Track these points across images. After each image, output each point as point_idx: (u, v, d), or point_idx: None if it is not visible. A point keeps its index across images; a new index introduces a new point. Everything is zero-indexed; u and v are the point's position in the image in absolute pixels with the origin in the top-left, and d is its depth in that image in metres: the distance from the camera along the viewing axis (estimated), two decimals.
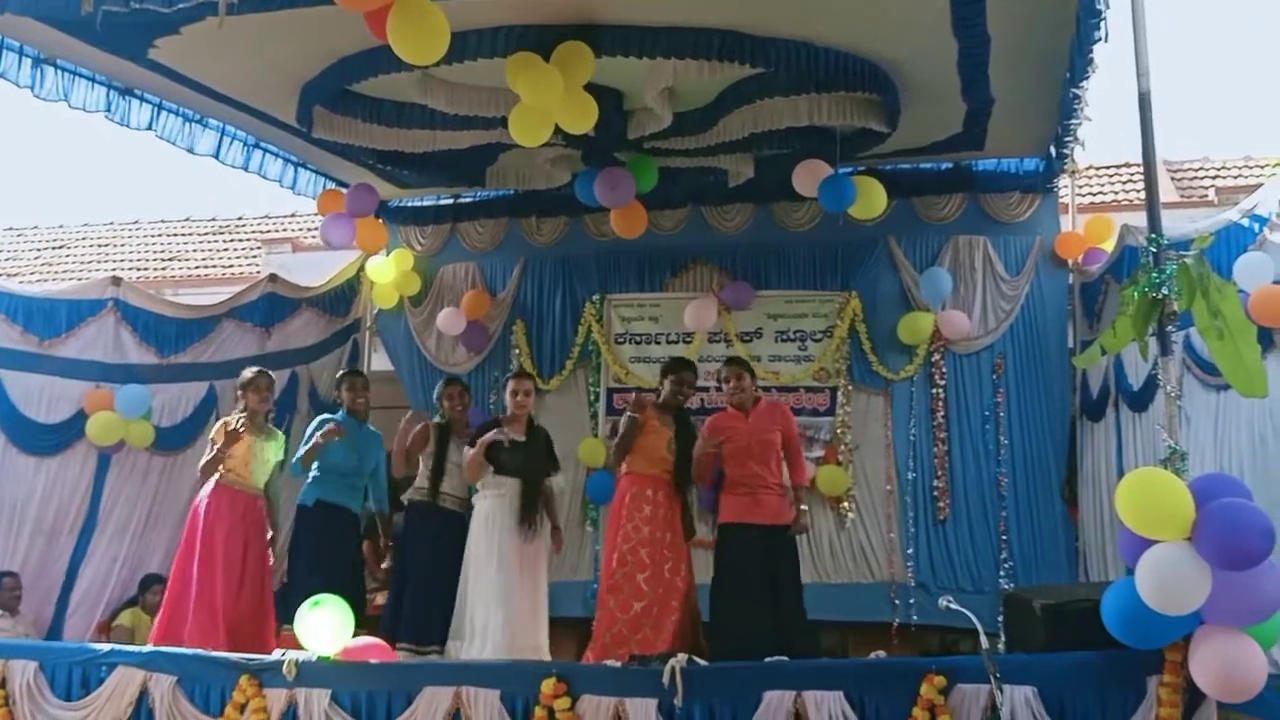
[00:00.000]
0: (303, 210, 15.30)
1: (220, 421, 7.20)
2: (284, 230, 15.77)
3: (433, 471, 7.22)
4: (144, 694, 5.79)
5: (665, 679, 5.13)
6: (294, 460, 7.46)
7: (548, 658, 6.87)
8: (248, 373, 7.32)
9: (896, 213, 9.28)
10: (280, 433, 7.53)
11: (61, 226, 17.57)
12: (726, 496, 6.84)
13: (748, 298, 9.65)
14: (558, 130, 6.73)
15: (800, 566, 7.04)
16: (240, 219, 17.01)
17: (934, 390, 9.35)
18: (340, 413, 7.64)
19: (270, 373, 7.54)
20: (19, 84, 7.12)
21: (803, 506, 6.90)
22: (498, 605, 6.69)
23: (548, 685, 5.24)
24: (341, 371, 8.52)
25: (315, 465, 7.29)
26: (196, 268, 15.74)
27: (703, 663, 5.38)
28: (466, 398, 7.70)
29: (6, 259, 16.83)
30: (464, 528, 7.06)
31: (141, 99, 7.94)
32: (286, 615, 6.41)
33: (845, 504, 9.23)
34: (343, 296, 10.51)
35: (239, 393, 7.23)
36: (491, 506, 6.94)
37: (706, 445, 6.85)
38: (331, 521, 7.33)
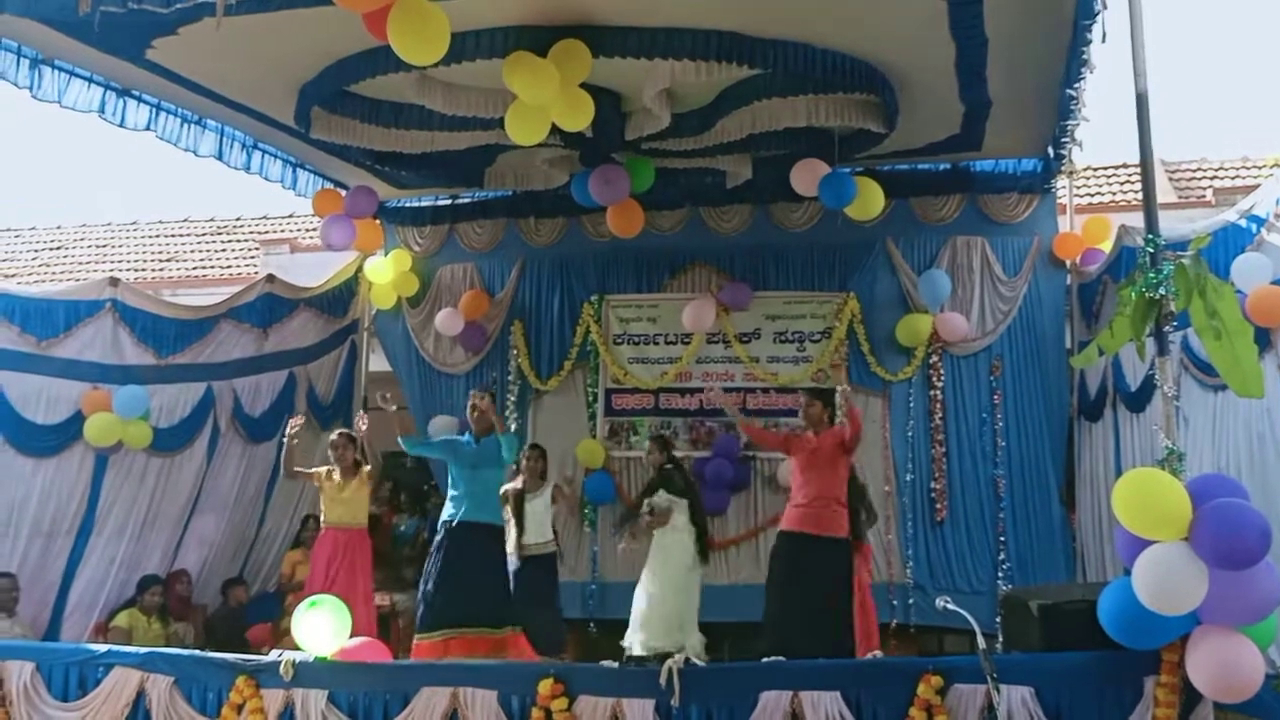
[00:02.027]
0: (301, 211, 15.29)
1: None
2: (282, 231, 15.76)
3: (516, 530, 8.07)
4: (141, 695, 5.79)
5: (662, 679, 5.13)
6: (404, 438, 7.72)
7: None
8: (331, 435, 8.39)
9: (895, 214, 9.30)
10: (364, 469, 8.09)
11: (59, 227, 17.55)
12: (790, 508, 7.17)
13: (746, 299, 9.66)
14: (556, 131, 6.75)
15: (847, 574, 7.15)
16: (238, 220, 16.99)
17: (932, 392, 9.37)
18: (466, 435, 7.63)
19: (349, 432, 8.25)
20: (17, 84, 7.12)
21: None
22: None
23: (545, 686, 5.24)
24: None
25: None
26: (194, 268, 15.72)
27: (700, 663, 5.38)
28: (542, 463, 8.43)
29: (4, 260, 16.80)
30: (552, 565, 8.23)
31: (140, 100, 7.95)
32: (425, 624, 7.21)
33: None
34: (340, 297, 10.52)
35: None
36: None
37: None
38: (454, 540, 7.37)
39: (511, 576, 7.75)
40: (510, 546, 7.93)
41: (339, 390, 10.45)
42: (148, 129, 8.08)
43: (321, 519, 8.13)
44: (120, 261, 15.97)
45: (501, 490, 7.91)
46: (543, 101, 6.42)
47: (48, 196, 39.72)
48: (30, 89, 7.18)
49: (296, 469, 8.21)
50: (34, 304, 8.00)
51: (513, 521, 8.07)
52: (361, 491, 8.07)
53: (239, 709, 5.60)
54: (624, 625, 8.82)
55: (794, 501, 7.13)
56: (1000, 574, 8.95)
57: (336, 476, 8.01)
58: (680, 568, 7.62)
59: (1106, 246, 8.86)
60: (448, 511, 7.47)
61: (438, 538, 7.48)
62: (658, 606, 7.56)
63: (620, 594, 9.30)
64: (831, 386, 9.37)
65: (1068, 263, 9.38)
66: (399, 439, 7.60)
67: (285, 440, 8.12)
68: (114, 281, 8.55)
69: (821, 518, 6.97)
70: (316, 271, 10.71)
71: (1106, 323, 6.24)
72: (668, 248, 9.99)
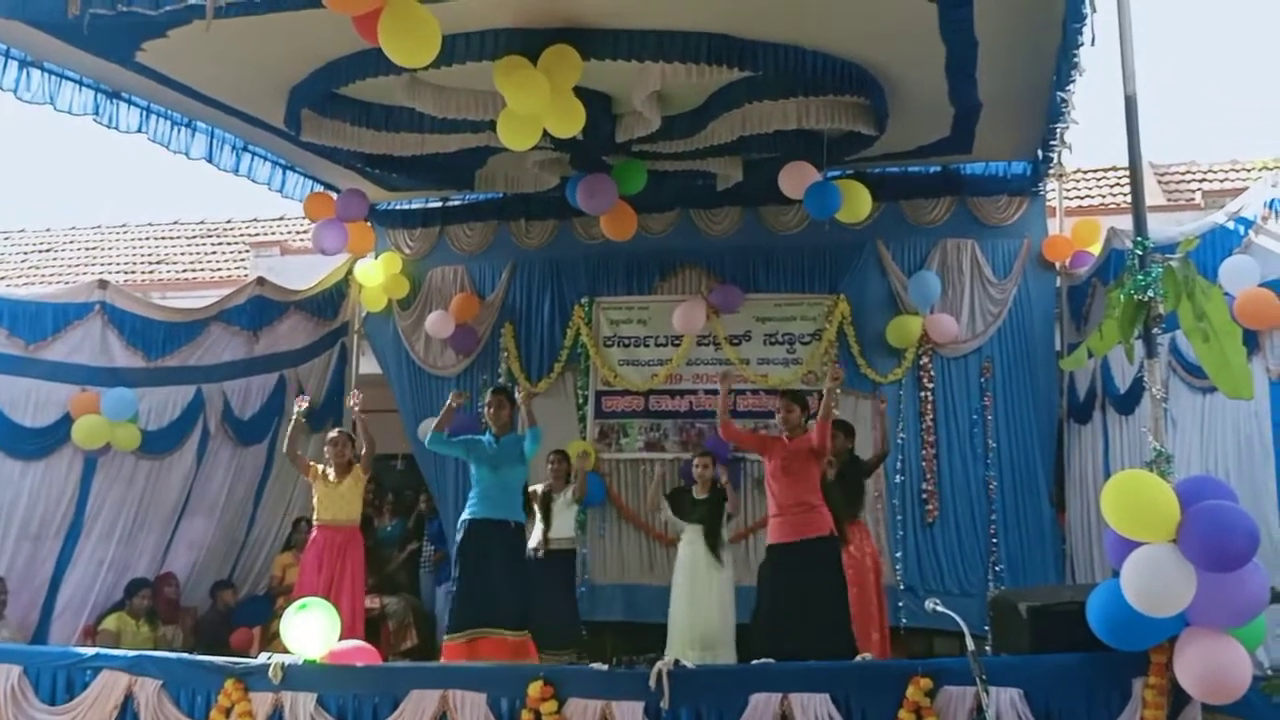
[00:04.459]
0: (291, 214, 15.26)
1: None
2: (272, 234, 15.73)
3: (543, 526, 8.26)
4: (129, 698, 5.77)
5: (652, 682, 5.12)
6: (429, 433, 7.84)
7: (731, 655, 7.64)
8: (330, 433, 8.42)
9: (885, 216, 9.33)
10: (359, 468, 8.11)
11: (48, 230, 17.49)
12: (771, 519, 7.09)
13: (736, 301, 9.66)
14: (546, 134, 6.74)
15: (841, 575, 7.09)
16: (228, 222, 16.95)
17: (922, 394, 9.38)
18: (486, 434, 7.74)
19: (347, 431, 8.29)
20: (3, 86, 7.08)
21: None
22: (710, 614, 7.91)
23: (534, 688, 5.23)
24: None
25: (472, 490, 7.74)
26: (184, 271, 15.69)
27: (690, 665, 5.38)
28: (565, 465, 8.56)
29: None
30: (572, 562, 8.47)
31: (130, 102, 7.93)
32: (452, 625, 7.39)
33: None
34: (331, 300, 10.50)
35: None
36: (686, 548, 8.14)
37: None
38: (474, 537, 7.50)
39: (534, 569, 7.98)
40: (534, 541, 8.14)
41: (329, 393, 10.42)
42: (139, 131, 8.06)
43: (314, 518, 8.12)
44: (109, 264, 15.92)
45: (530, 489, 8.19)
46: (534, 110, 6.42)
47: (36, 199, 39.61)
48: (15, 91, 7.15)
49: (298, 452, 8.24)
50: (22, 306, 7.98)
51: (540, 518, 8.26)
52: (355, 489, 8.08)
53: (227, 712, 5.58)
54: (612, 627, 8.86)
55: (771, 512, 7.06)
56: (991, 576, 8.96)
57: (331, 475, 8.02)
58: None
59: (1096, 249, 8.89)
60: (469, 509, 7.59)
61: (459, 536, 7.60)
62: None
63: (608, 596, 9.31)
64: (819, 389, 9.42)
65: (1057, 265, 9.40)
66: (424, 434, 7.79)
67: (292, 420, 8.13)
68: (103, 284, 8.54)
69: (800, 523, 6.90)
70: (307, 274, 10.69)
71: (1096, 325, 6.25)
72: (658, 250, 9.98)
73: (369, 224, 10.28)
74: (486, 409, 7.78)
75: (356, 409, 8.18)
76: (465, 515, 7.61)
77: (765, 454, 7.18)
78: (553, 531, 8.27)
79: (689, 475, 8.50)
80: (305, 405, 8.16)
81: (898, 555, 9.15)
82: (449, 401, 7.74)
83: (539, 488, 8.39)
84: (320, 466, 8.08)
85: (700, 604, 7.86)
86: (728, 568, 8.02)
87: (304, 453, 8.41)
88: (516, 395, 7.90)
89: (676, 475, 9.41)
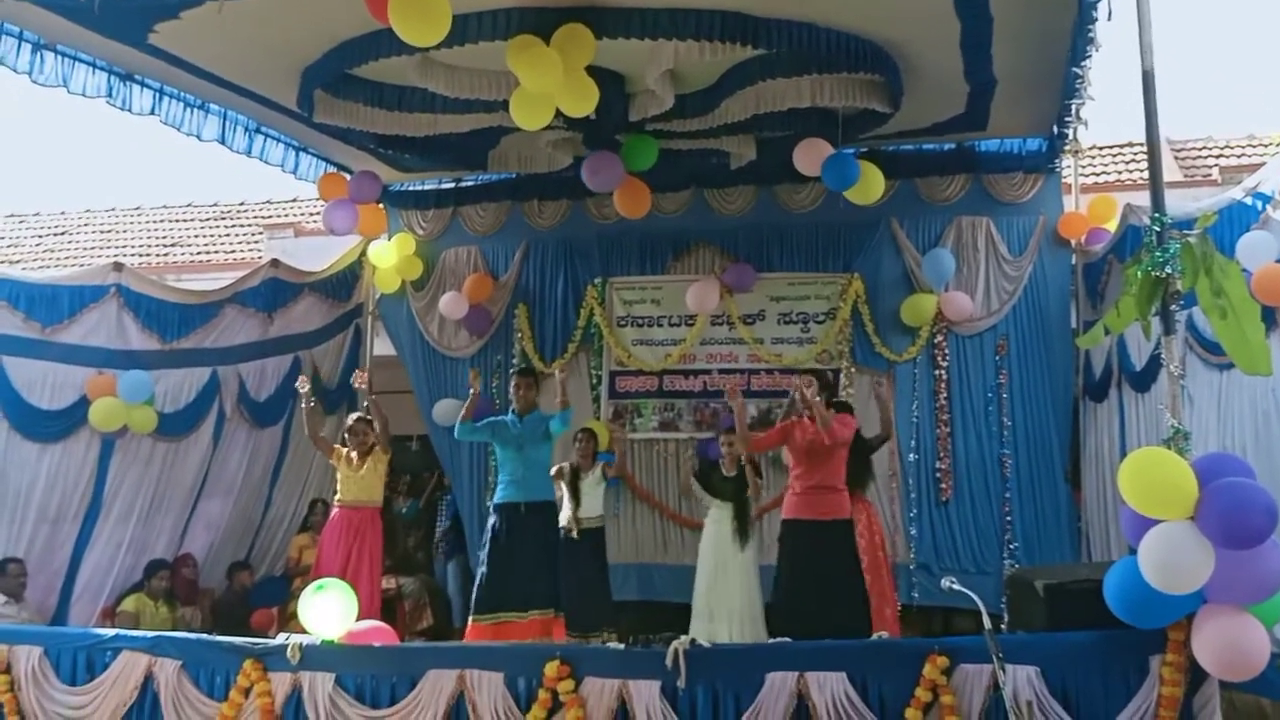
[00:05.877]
0: (304, 195, 15.29)
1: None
2: (286, 215, 15.74)
3: (572, 504, 8.15)
4: (149, 678, 5.82)
5: (668, 661, 5.14)
6: (457, 424, 7.82)
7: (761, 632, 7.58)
8: (348, 420, 8.44)
9: (899, 194, 9.28)
10: (379, 450, 8.16)
11: (63, 213, 17.54)
12: (789, 495, 7.17)
13: (750, 280, 9.63)
14: (559, 113, 6.72)
15: (856, 557, 7.14)
16: (242, 204, 16.97)
17: (937, 372, 9.35)
18: (509, 414, 7.88)
19: (365, 417, 8.23)
20: (18, 69, 7.09)
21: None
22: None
23: (551, 668, 5.25)
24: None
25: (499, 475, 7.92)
26: (199, 253, 15.71)
27: (706, 644, 5.39)
28: (593, 444, 8.47)
29: (8, 246, 16.80)
30: (603, 539, 8.28)
31: (142, 84, 7.92)
32: (478, 607, 7.49)
33: None
34: (345, 281, 10.52)
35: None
36: (712, 525, 8.11)
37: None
38: (506, 521, 7.64)
39: (565, 549, 7.97)
40: (565, 520, 8.11)
41: (344, 374, 10.42)
42: (152, 114, 8.06)
43: (335, 498, 8.21)
44: (124, 247, 15.96)
45: (555, 468, 8.17)
46: (547, 88, 6.40)
47: (52, 182, 39.71)
48: (30, 74, 7.15)
49: (320, 435, 8.33)
50: (38, 289, 8.00)
51: (568, 496, 8.22)
52: (375, 472, 8.14)
53: (246, 692, 5.62)
54: (628, 606, 8.88)
55: (793, 489, 7.11)
56: (1006, 554, 8.96)
57: (354, 456, 8.11)
58: None
59: (1112, 226, 8.83)
60: (500, 493, 7.73)
61: (490, 520, 7.72)
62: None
63: (624, 576, 9.34)
64: (835, 368, 9.42)
65: (1073, 242, 9.35)
66: (442, 417, 7.96)
67: (303, 407, 8.15)
68: (118, 267, 8.55)
69: (819, 503, 6.96)
70: (321, 256, 10.71)
71: (1112, 302, 6.22)
72: (671, 229, 9.96)
73: (382, 205, 10.28)
74: (514, 390, 7.89)
75: (360, 386, 8.26)
76: (496, 499, 7.73)
77: (788, 441, 7.17)
78: (582, 510, 8.21)
79: (706, 454, 8.49)
80: (307, 387, 8.15)
81: (912, 533, 9.15)
82: (470, 388, 7.78)
83: (565, 465, 8.35)
84: (344, 449, 8.17)
85: (725, 580, 7.87)
86: (753, 545, 8.01)
87: (324, 434, 8.45)
88: (557, 374, 8.05)
89: (691, 454, 9.41)
